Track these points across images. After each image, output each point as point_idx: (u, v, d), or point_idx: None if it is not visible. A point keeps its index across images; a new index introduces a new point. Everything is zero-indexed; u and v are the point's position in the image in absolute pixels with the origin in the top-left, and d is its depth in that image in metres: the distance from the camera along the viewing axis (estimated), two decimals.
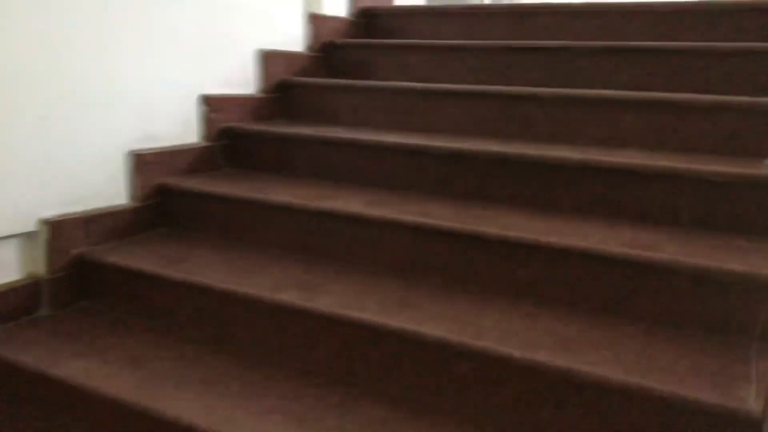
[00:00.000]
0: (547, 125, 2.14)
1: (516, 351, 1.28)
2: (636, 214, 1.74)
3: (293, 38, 2.72)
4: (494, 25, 2.80)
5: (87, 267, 1.88)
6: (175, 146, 2.18)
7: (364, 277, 1.71)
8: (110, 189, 1.98)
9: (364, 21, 3.09)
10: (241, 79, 2.45)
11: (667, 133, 1.97)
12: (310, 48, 2.80)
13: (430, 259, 1.71)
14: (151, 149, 2.09)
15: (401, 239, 1.74)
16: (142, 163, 2.06)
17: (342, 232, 1.83)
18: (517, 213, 1.80)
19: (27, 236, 1.78)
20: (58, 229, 1.82)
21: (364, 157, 2.13)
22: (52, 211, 1.82)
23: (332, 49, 2.85)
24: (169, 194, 2.11)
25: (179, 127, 2.20)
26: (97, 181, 1.94)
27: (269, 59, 2.56)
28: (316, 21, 2.80)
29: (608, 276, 1.50)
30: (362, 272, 1.75)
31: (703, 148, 1.93)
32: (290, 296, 1.57)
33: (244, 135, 2.34)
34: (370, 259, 1.80)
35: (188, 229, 2.11)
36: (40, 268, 1.80)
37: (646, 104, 1.99)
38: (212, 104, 2.30)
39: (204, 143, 2.28)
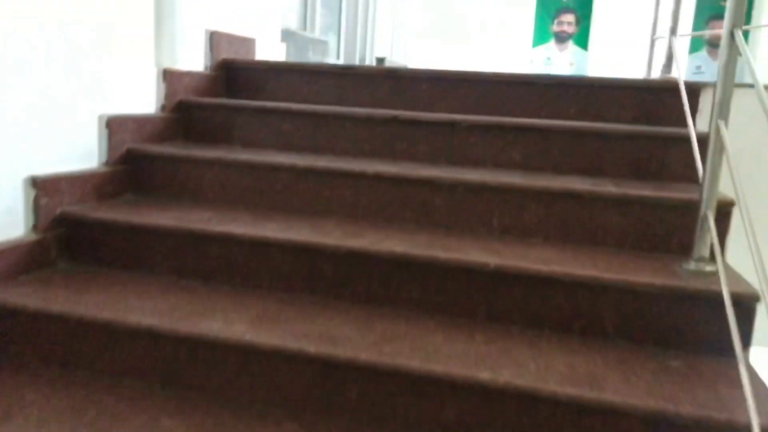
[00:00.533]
0: (446, 213, 1.95)
1: None
2: (559, 325, 1.59)
3: (144, 99, 2.31)
4: (372, 88, 2.59)
5: None
6: None
7: (257, 425, 1.38)
8: None
9: (225, 75, 2.74)
10: (81, 152, 2.01)
11: (573, 225, 1.86)
12: (165, 108, 2.41)
13: (339, 396, 1.42)
14: None
15: (303, 373, 1.44)
16: None
17: (224, 361, 1.49)
18: (430, 326, 1.58)
19: None
20: None
21: (243, 253, 1.80)
22: None
23: (190, 110, 2.47)
24: None
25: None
26: None
27: (115, 126, 2.13)
28: (170, 78, 2.41)
29: (551, 417, 1.31)
30: (253, 415, 1.42)
31: (611, 241, 1.84)
32: None
33: (85, 223, 1.90)
34: (261, 396, 1.47)
35: (16, 358, 1.63)
36: None
37: (550, 195, 1.87)
38: (44, 186, 1.84)
39: (34, 236, 1.82)
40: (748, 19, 7.34)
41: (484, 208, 1.92)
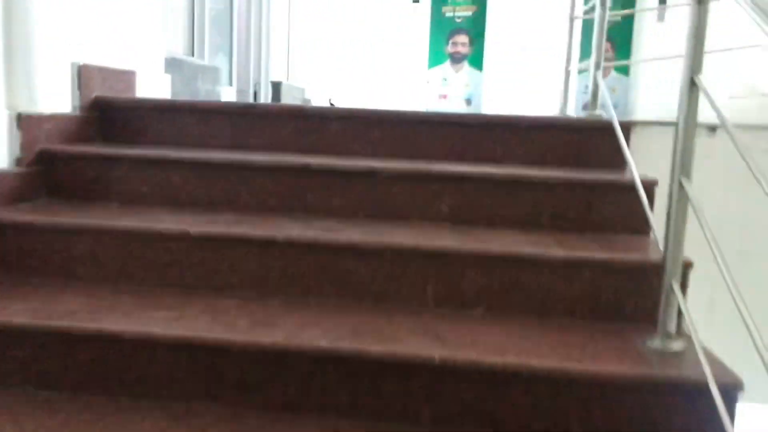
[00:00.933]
0: (371, 283, 1.67)
1: None
2: (518, 427, 1.34)
3: None
4: (276, 130, 2.27)
5: None
6: None
7: None
8: None
9: (99, 116, 2.32)
10: None
11: (517, 293, 1.63)
12: (21, 162, 1.97)
13: None
14: None
15: None
16: None
17: None
18: None
19: None
20: None
21: (123, 354, 1.43)
22: None
23: (55, 161, 2.05)
24: None
25: None
26: None
27: None
28: (27, 123, 1.98)
29: None
30: None
31: (560, 310, 1.62)
32: None
33: None
34: None
35: None
36: None
37: (490, 260, 1.63)
38: None
39: None
40: (627, 50, 7.61)
41: (415, 277, 1.65)
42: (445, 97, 8.11)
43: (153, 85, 2.76)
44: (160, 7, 2.89)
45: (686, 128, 1.38)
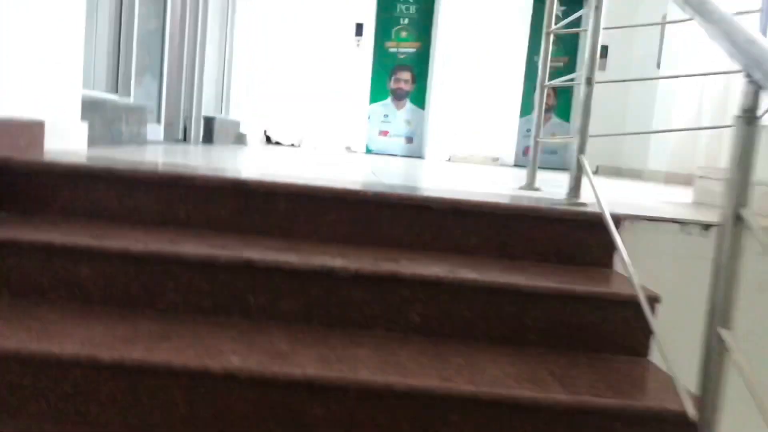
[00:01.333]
0: (331, 429, 1.34)
1: None
2: None
3: None
4: (215, 205, 1.91)
5: None
6: None
7: None
8: None
9: None
10: None
11: None
12: None
13: None
14: None
15: None
16: None
17: None
18: None
19: None
20: None
21: None
22: None
23: None
24: None
25: None
26: None
27: None
28: None
29: None
30: None
31: None
32: None
33: None
34: None
35: None
36: None
37: (477, 403, 1.34)
38: None
39: None
40: (568, 96, 7.57)
41: (385, 423, 1.34)
42: (386, 133, 7.88)
43: (66, 136, 2.34)
44: (77, 40, 2.49)
45: (728, 270, 1.14)
